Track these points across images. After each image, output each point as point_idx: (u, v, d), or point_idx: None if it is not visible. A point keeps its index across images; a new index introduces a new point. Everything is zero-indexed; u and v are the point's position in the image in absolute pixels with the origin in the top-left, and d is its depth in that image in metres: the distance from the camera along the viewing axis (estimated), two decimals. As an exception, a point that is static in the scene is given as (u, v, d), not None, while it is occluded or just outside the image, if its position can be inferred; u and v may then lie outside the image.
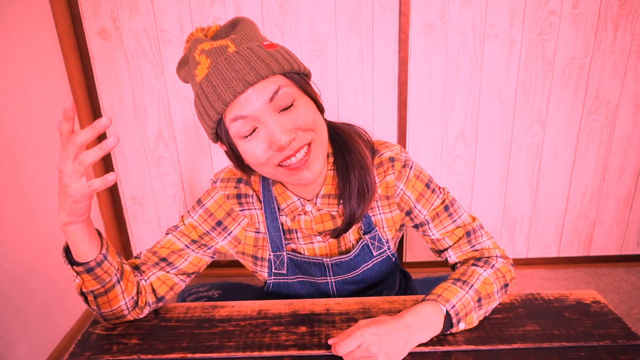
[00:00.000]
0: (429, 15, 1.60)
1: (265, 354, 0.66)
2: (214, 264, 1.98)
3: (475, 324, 0.70)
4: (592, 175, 1.82)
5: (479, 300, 0.70)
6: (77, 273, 0.66)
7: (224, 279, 1.93)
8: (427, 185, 0.79)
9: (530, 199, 1.86)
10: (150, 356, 0.67)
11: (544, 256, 1.96)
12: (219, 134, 0.67)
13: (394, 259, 0.84)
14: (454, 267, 0.82)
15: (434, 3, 1.58)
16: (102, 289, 0.68)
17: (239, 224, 0.80)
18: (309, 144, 0.66)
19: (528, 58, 1.65)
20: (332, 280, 0.81)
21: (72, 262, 0.66)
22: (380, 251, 0.81)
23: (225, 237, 0.80)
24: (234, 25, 0.68)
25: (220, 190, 0.79)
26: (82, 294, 0.69)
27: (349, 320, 0.73)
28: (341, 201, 0.76)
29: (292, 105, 0.64)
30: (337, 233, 0.77)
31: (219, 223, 0.79)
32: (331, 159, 0.77)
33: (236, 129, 0.64)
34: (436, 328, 0.67)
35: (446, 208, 0.79)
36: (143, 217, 1.92)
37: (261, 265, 0.82)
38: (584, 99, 1.71)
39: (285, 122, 0.63)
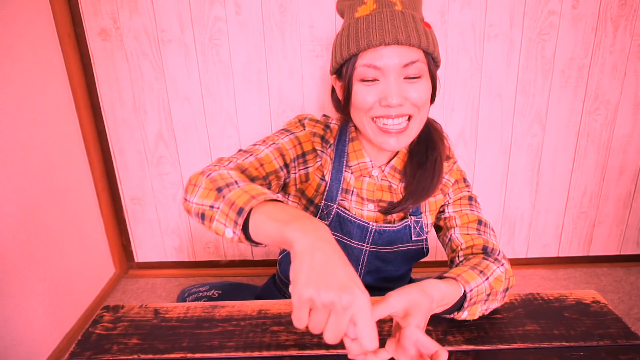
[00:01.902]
0: (429, 15, 1.59)
1: (265, 354, 0.67)
2: (213, 264, 1.98)
3: (475, 317, 0.70)
4: (591, 175, 1.82)
5: (489, 294, 0.69)
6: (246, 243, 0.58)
7: (224, 279, 1.93)
8: (464, 180, 0.87)
9: (530, 199, 1.86)
10: (150, 356, 0.67)
11: (544, 256, 1.96)
12: (342, 70, 0.74)
13: (426, 253, 0.88)
14: (454, 250, 0.81)
15: (434, 3, 1.58)
16: None
17: (314, 164, 0.83)
18: (409, 118, 0.73)
19: (528, 58, 1.65)
20: (368, 248, 0.84)
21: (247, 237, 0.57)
22: (419, 238, 0.86)
23: (300, 170, 0.82)
24: None
25: (308, 127, 0.83)
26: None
27: (349, 320, 0.73)
28: (403, 178, 0.83)
29: (418, 78, 0.71)
30: (387, 209, 0.82)
31: (304, 154, 0.81)
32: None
33: (362, 72, 0.70)
34: (444, 307, 0.63)
35: (469, 199, 0.86)
36: (143, 217, 1.92)
37: (311, 212, 0.84)
38: (583, 99, 1.71)
39: (403, 89, 0.70)
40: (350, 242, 0.84)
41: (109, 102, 1.73)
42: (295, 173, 0.81)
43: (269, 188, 0.75)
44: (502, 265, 0.74)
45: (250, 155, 0.74)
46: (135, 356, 0.67)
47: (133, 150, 1.80)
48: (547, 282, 1.87)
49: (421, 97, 0.72)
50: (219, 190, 0.59)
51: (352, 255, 0.84)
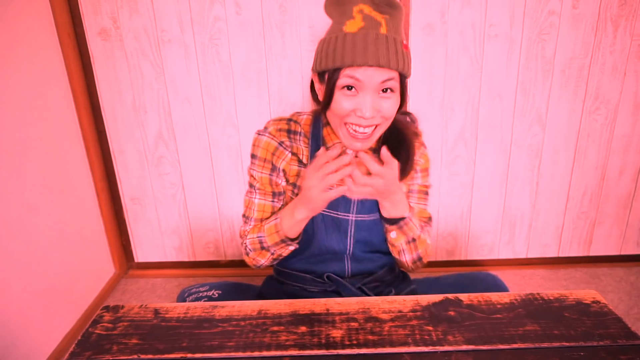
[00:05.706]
0: (429, 15, 1.60)
1: (265, 354, 0.67)
2: (213, 264, 1.98)
3: (395, 245, 0.93)
4: (592, 175, 1.82)
5: (414, 240, 0.92)
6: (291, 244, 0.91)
7: (224, 279, 1.93)
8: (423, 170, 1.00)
9: (530, 199, 1.86)
10: (150, 356, 0.67)
11: (544, 256, 1.96)
12: (324, 75, 0.83)
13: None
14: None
15: (434, 3, 1.58)
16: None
17: (283, 159, 0.93)
18: (376, 126, 0.84)
19: (528, 58, 1.65)
20: (354, 218, 0.94)
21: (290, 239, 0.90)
22: None
23: (279, 175, 0.94)
24: (392, 6, 0.80)
25: (271, 126, 0.94)
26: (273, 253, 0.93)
27: (348, 320, 0.73)
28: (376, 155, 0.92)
29: (390, 94, 0.82)
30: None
31: (273, 166, 0.93)
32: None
33: (345, 81, 0.80)
34: (394, 208, 0.88)
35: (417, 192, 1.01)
36: (143, 217, 1.92)
37: (295, 194, 0.95)
38: (583, 99, 1.71)
39: (377, 103, 0.81)
40: (337, 214, 0.94)
41: (109, 102, 1.73)
42: (281, 181, 0.95)
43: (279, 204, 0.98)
44: (429, 245, 0.96)
45: (251, 210, 0.96)
46: (135, 356, 0.67)
47: (133, 150, 1.80)
48: (547, 282, 1.87)
49: (391, 110, 0.83)
50: (262, 247, 0.94)
51: (341, 227, 0.94)
